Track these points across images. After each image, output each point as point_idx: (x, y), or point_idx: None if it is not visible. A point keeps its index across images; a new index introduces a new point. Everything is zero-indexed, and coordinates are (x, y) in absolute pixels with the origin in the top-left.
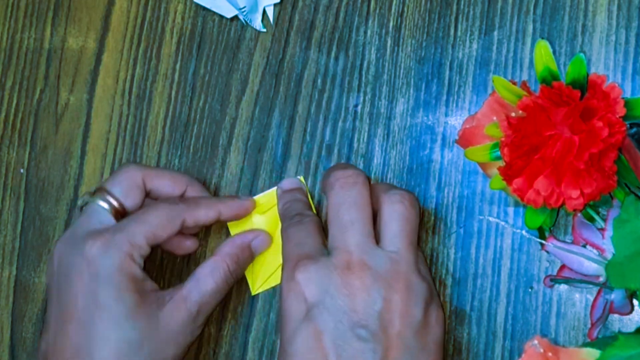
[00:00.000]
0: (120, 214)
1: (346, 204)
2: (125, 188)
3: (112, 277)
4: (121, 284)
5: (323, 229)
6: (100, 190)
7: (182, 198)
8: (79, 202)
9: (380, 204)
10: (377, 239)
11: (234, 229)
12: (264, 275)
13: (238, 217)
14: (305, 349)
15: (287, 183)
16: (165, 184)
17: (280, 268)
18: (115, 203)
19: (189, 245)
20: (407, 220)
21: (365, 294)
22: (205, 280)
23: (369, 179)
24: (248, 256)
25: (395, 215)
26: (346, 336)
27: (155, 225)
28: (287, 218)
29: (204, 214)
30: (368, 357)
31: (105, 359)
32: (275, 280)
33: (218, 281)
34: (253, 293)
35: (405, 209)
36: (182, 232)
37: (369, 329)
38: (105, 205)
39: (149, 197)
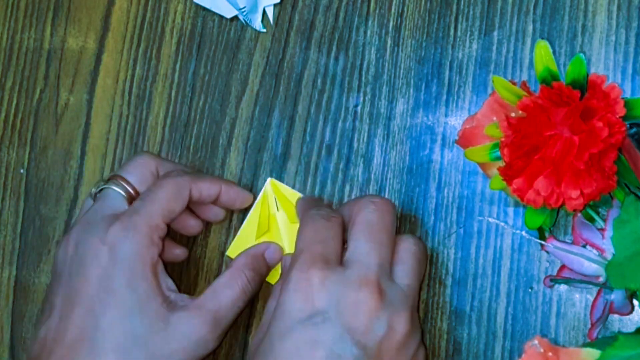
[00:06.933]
0: (135, 200)
1: (380, 224)
2: (139, 176)
3: (130, 262)
4: (136, 269)
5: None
6: (115, 177)
7: (185, 170)
8: (93, 190)
9: (396, 242)
10: None
11: (234, 253)
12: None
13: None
14: (295, 352)
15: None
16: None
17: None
18: (130, 189)
19: (192, 224)
20: (420, 262)
21: (373, 316)
22: (223, 291)
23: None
24: (264, 266)
25: (411, 254)
26: (342, 353)
27: (167, 200)
28: (314, 209)
29: (208, 186)
30: None
31: (107, 349)
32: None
33: (236, 291)
34: (229, 253)
35: (420, 252)
36: (189, 206)
37: (367, 352)
38: (120, 191)
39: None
